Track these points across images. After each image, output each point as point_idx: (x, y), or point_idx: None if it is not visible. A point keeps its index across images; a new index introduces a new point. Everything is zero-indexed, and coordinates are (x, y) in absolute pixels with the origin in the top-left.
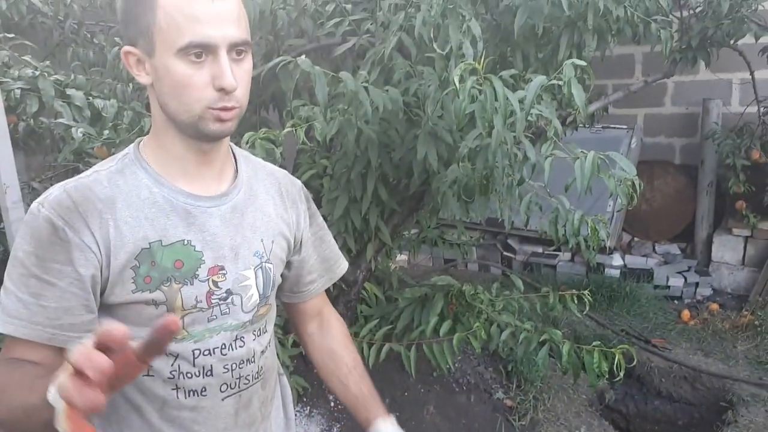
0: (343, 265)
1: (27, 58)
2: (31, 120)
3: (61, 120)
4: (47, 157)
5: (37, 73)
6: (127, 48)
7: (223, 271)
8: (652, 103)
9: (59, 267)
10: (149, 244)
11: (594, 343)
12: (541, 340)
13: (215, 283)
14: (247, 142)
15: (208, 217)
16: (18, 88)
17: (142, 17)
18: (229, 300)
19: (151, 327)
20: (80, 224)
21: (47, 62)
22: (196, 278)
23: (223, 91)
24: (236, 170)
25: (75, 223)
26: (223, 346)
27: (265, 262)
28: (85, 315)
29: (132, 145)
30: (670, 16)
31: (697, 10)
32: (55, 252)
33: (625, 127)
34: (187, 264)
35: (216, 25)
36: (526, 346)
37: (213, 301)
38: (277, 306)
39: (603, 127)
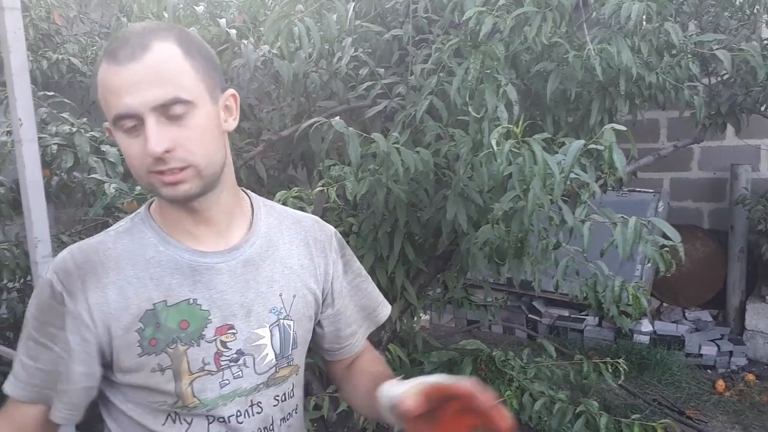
0: (384, 310)
1: (65, 115)
2: (65, 175)
3: (94, 175)
4: (77, 210)
5: (74, 129)
6: (106, 124)
7: (233, 331)
8: (678, 167)
9: (55, 331)
10: (153, 305)
11: (633, 416)
12: (576, 411)
13: (224, 344)
14: (279, 201)
15: (216, 274)
16: (55, 144)
17: (96, 97)
18: (240, 361)
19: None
20: (77, 290)
21: (84, 119)
22: (202, 339)
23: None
24: (251, 222)
25: (72, 287)
26: (238, 414)
27: (284, 318)
28: (79, 383)
29: (144, 205)
30: (698, 82)
31: (725, 77)
32: (53, 316)
33: (651, 190)
34: (193, 324)
35: (132, 92)
36: (560, 418)
37: (222, 363)
38: None
39: (629, 191)
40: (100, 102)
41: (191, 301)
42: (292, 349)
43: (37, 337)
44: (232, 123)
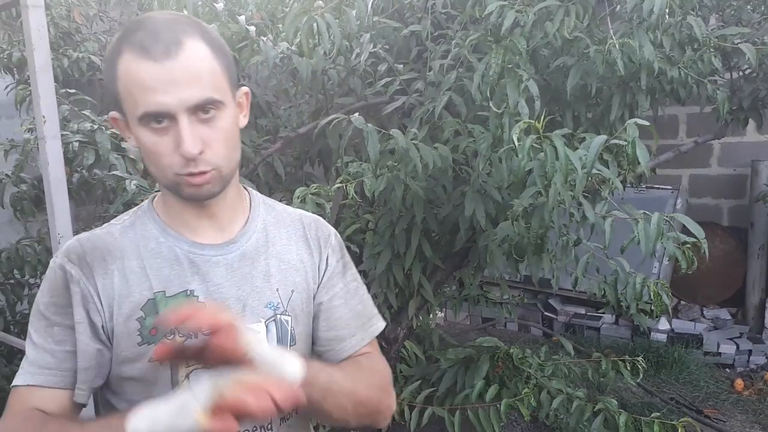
0: (379, 323)
1: (86, 112)
2: (86, 172)
3: (115, 172)
4: (97, 207)
5: (95, 126)
6: (113, 114)
7: None
8: (697, 164)
9: (72, 311)
10: (154, 294)
11: (653, 414)
12: (595, 409)
13: None
14: (298, 197)
15: (213, 267)
16: (76, 141)
17: (111, 86)
18: None
19: None
20: (87, 271)
21: (105, 116)
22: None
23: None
24: (248, 217)
25: (83, 269)
26: None
27: (281, 314)
28: (94, 358)
29: (147, 200)
30: (720, 77)
31: (747, 71)
32: (71, 296)
33: (669, 187)
34: None
35: (168, 90)
36: (578, 416)
37: None
38: None
39: (647, 187)
40: (120, 94)
41: (189, 292)
42: (290, 345)
43: (61, 321)
44: (243, 120)
